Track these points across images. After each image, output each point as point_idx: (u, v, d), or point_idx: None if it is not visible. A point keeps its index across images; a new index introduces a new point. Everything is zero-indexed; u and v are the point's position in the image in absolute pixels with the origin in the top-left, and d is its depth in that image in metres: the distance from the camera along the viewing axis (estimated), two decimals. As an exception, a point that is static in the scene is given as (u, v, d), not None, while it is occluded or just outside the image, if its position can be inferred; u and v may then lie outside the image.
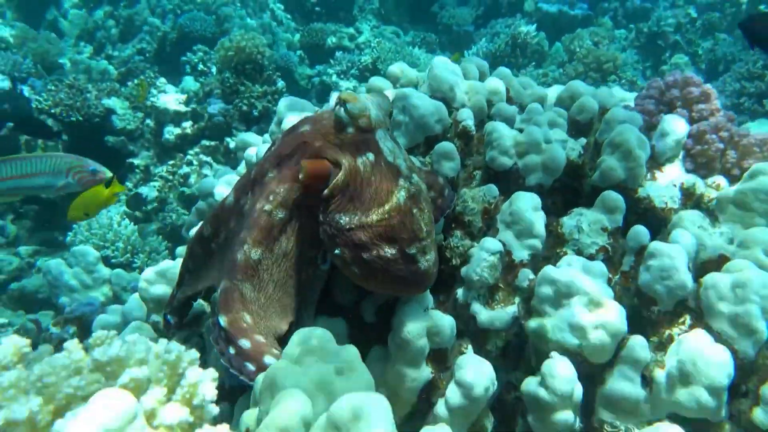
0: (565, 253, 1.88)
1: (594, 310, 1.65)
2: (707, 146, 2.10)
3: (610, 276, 1.82)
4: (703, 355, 1.53)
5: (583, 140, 2.16)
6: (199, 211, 2.71)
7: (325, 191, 1.50)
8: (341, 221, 1.49)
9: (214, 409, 1.15)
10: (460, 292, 1.85)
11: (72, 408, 1.05)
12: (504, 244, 1.83)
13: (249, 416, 1.20)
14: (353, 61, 8.34)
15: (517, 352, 1.82)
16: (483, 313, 1.79)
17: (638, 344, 1.64)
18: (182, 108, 6.39)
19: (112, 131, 6.14)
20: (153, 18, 8.52)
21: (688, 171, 2.12)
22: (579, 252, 1.88)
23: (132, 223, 5.26)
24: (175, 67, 7.63)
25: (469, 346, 1.79)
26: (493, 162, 2.02)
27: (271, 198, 1.58)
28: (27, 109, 5.76)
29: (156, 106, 6.36)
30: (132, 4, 8.79)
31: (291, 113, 2.48)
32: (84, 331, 2.91)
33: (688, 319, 1.72)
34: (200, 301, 2.03)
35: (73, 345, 1.12)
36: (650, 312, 1.75)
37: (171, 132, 6.26)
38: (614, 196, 1.91)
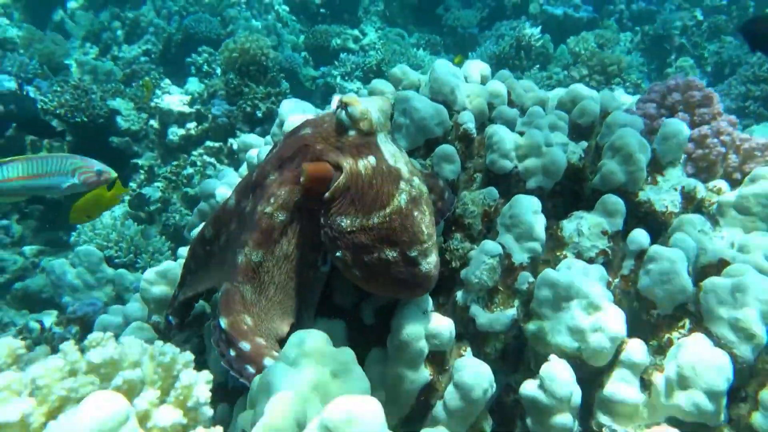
0: (565, 257, 1.88)
1: (593, 313, 1.65)
2: (708, 150, 2.10)
3: (610, 279, 1.83)
4: (702, 360, 1.53)
5: (584, 143, 2.16)
6: (200, 212, 2.71)
7: (327, 194, 1.51)
8: (342, 224, 1.50)
9: (209, 411, 1.15)
10: (459, 294, 1.86)
11: (65, 410, 1.05)
12: (504, 247, 1.83)
13: (244, 418, 1.20)
14: (358, 63, 8.34)
15: (516, 355, 1.82)
16: (482, 316, 1.79)
17: (637, 348, 1.64)
18: (186, 109, 6.42)
19: (117, 132, 6.17)
20: (158, 19, 8.56)
21: (689, 175, 2.12)
22: (579, 255, 1.88)
23: (135, 224, 5.29)
24: (180, 69, 7.66)
25: (468, 349, 1.79)
26: (493, 165, 2.02)
27: (272, 200, 1.58)
28: (33, 109, 5.79)
29: (160, 107, 6.39)
30: (138, 6, 8.83)
31: (292, 115, 2.49)
32: (87, 331, 2.93)
33: (687, 323, 1.72)
34: (201, 301, 2.03)
35: (68, 347, 1.12)
36: (650, 316, 1.75)
37: (175, 133, 6.29)
38: (614, 200, 1.91)
